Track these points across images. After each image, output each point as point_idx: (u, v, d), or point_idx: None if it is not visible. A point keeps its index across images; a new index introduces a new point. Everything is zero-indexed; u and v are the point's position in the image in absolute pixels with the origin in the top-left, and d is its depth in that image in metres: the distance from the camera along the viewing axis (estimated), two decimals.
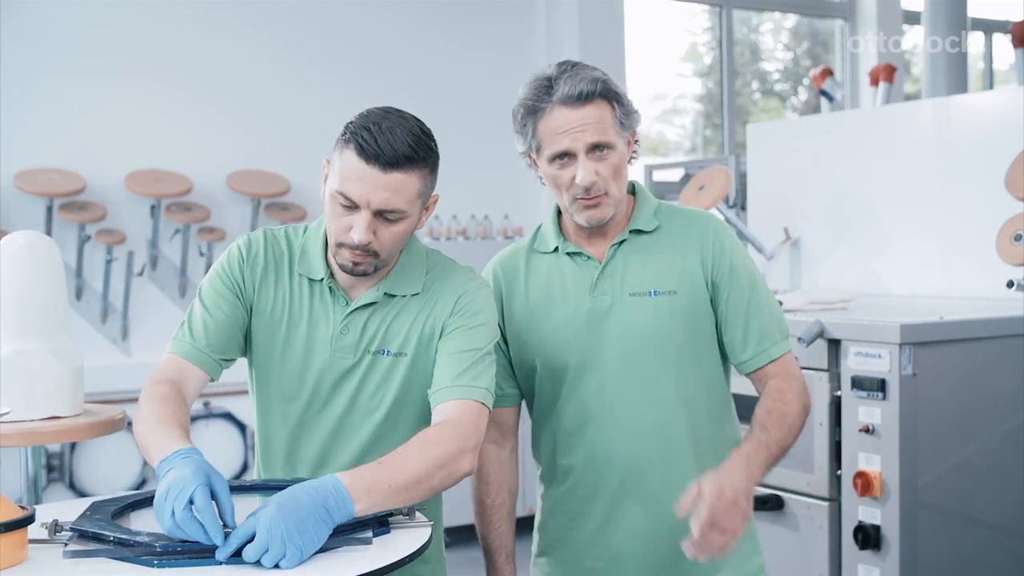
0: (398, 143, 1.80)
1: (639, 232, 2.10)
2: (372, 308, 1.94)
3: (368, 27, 5.93)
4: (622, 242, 2.10)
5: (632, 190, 2.15)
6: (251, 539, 1.49)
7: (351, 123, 1.85)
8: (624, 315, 2.06)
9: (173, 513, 1.50)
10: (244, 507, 1.77)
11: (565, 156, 2.00)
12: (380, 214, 1.83)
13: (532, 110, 2.01)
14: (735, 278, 2.07)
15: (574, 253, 2.11)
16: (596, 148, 1.99)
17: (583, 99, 1.97)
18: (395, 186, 1.81)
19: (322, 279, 1.95)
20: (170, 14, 5.44)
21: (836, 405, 3.12)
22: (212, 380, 1.95)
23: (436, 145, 1.89)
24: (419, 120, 1.88)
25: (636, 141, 2.08)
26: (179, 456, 1.61)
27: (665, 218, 2.12)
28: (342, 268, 1.90)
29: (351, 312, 1.94)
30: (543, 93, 2.00)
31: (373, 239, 1.84)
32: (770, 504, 3.30)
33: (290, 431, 1.98)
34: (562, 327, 2.10)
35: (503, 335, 2.14)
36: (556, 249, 2.13)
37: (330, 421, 1.96)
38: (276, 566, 1.48)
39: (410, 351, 1.93)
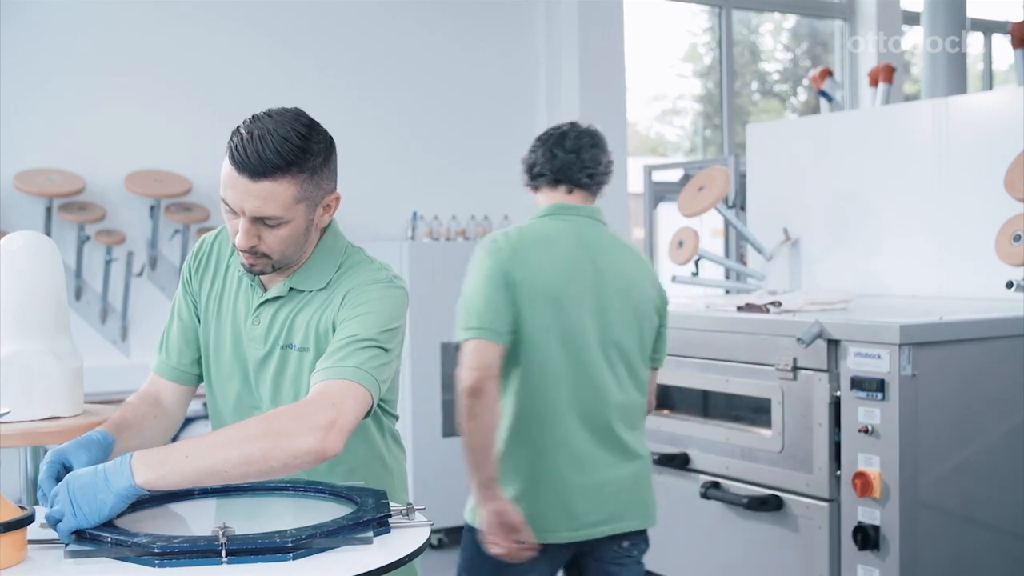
0: (267, 151, 1.77)
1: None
2: (280, 302, 1.95)
3: (368, 27, 5.93)
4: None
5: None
6: None
7: (237, 125, 1.83)
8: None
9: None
10: (241, 507, 1.77)
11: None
12: (259, 220, 1.81)
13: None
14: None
15: None
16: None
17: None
18: (265, 194, 1.78)
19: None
20: (169, 14, 5.43)
21: (836, 406, 3.12)
22: (194, 385, 2.06)
23: (321, 145, 1.82)
24: (303, 121, 1.82)
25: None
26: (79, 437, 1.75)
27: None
28: (243, 268, 1.90)
29: (261, 304, 1.96)
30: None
31: (258, 242, 1.83)
32: (769, 504, 3.30)
33: (231, 413, 1.99)
34: None
35: None
36: None
37: (262, 412, 1.94)
38: (119, 540, 1.51)
39: (312, 346, 1.92)
